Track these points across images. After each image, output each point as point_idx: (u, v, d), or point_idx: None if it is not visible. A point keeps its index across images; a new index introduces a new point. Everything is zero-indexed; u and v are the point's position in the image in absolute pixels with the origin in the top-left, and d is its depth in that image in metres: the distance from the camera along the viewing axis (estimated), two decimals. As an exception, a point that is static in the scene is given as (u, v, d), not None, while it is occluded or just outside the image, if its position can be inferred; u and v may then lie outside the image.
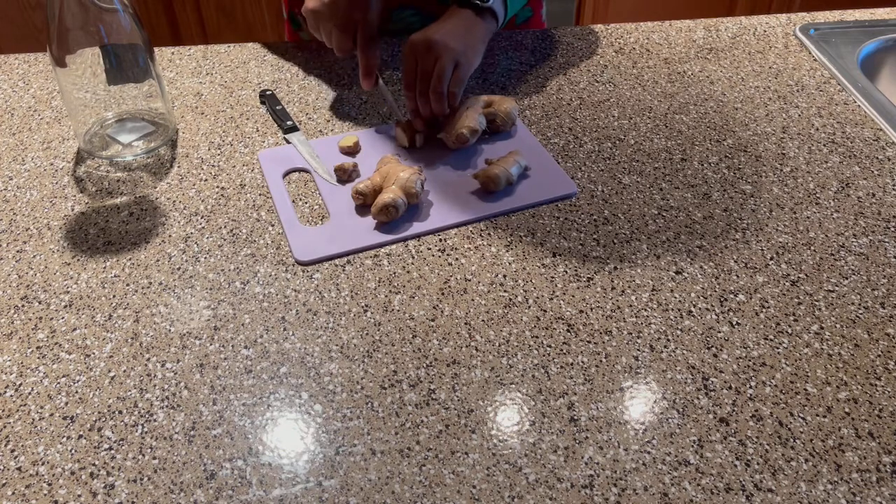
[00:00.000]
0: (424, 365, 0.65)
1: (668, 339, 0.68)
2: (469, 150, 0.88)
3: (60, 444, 0.59)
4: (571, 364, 0.65)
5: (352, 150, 0.87)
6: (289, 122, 0.91)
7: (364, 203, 0.80)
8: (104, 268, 0.74)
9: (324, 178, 0.84)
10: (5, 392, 0.63)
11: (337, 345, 0.67)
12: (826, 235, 0.78)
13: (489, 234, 0.78)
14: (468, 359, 0.66)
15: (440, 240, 0.77)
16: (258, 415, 0.61)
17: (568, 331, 0.68)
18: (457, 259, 0.75)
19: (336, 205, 0.80)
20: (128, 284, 0.72)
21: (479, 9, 0.89)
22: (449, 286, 0.72)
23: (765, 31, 1.12)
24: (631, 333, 0.68)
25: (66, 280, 0.72)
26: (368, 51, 0.88)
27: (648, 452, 0.59)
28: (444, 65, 0.85)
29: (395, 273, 0.73)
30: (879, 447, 0.60)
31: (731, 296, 0.72)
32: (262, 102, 0.96)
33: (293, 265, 0.74)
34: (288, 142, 0.89)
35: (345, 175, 0.83)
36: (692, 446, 0.59)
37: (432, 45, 0.85)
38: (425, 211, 0.80)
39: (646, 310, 0.70)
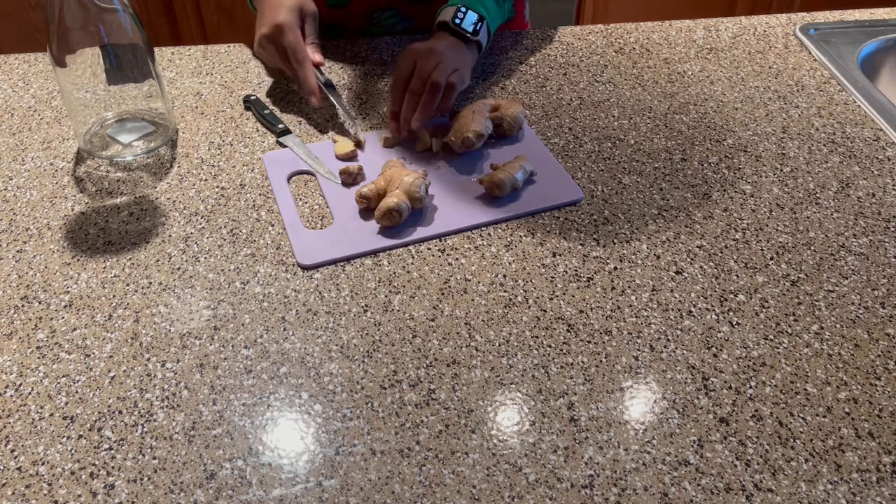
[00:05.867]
0: (424, 365, 0.65)
1: (668, 339, 0.68)
2: (475, 155, 0.88)
3: (60, 444, 0.59)
4: (571, 364, 0.65)
5: (350, 157, 0.87)
6: (280, 126, 0.90)
7: (368, 207, 0.79)
8: (104, 268, 0.74)
9: (327, 178, 0.84)
10: (5, 392, 0.63)
11: (337, 345, 0.67)
12: (826, 235, 0.78)
13: (489, 234, 0.78)
14: (468, 359, 0.66)
15: (440, 240, 0.77)
16: (258, 415, 0.61)
17: (568, 331, 0.68)
18: (457, 259, 0.75)
19: (340, 208, 0.80)
20: (128, 284, 0.72)
21: (467, 40, 0.92)
22: (449, 286, 0.72)
23: (765, 31, 1.12)
24: (631, 333, 0.68)
25: (66, 280, 0.72)
26: (302, 70, 0.90)
27: (648, 452, 0.59)
28: (445, 66, 0.86)
29: (394, 273, 0.73)
30: (879, 447, 0.60)
31: (731, 296, 0.72)
32: (247, 108, 0.95)
33: (293, 265, 0.74)
34: (282, 145, 0.89)
35: (350, 178, 0.83)
36: (692, 446, 0.59)
37: (434, 52, 0.87)
38: (429, 215, 0.79)
39: (646, 310, 0.70)
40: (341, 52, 1.06)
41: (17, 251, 0.76)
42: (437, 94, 0.86)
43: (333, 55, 1.05)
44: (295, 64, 0.90)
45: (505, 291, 0.72)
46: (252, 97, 0.95)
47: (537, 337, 0.68)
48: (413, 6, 1.08)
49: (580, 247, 0.76)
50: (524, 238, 0.77)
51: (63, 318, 0.69)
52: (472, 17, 0.92)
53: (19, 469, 0.57)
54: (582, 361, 0.66)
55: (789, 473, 0.58)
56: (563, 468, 0.58)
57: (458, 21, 0.92)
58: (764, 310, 0.70)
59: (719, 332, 0.68)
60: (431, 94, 0.85)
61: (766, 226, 0.79)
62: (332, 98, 0.93)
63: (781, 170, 0.87)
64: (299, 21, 0.93)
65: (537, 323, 0.69)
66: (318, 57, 0.94)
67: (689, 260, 0.75)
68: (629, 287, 0.72)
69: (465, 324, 0.69)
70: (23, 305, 0.70)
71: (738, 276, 0.74)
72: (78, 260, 0.75)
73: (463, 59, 0.90)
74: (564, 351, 0.66)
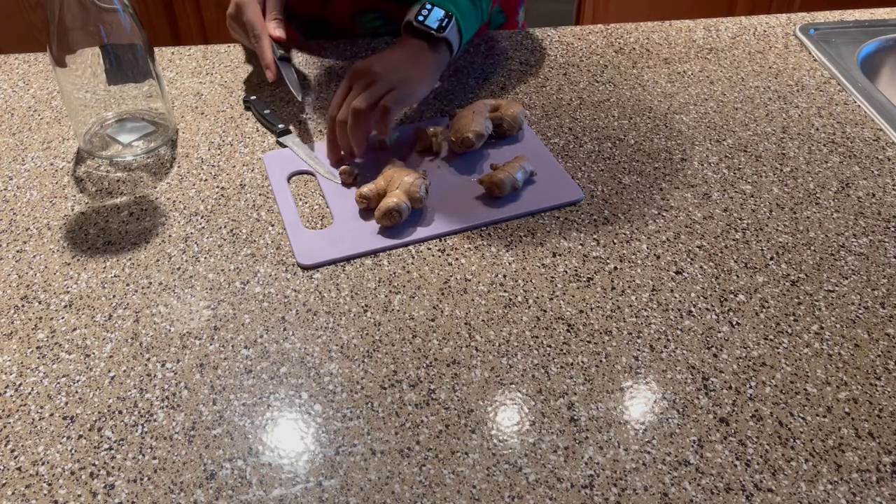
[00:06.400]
0: (424, 365, 0.65)
1: (668, 339, 0.68)
2: (475, 155, 0.88)
3: (60, 444, 0.59)
4: (571, 364, 0.65)
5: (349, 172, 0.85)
6: (280, 126, 0.90)
7: (368, 207, 0.79)
8: (104, 268, 0.74)
9: (327, 178, 0.84)
10: (5, 392, 0.63)
11: (337, 345, 0.67)
12: (826, 235, 0.78)
13: (489, 234, 0.78)
14: (468, 359, 0.66)
15: (440, 240, 0.77)
16: (258, 415, 0.61)
17: (568, 331, 0.68)
18: (457, 259, 0.75)
19: (340, 208, 0.80)
20: (128, 284, 0.72)
21: (433, 39, 0.87)
22: (449, 286, 0.72)
23: (765, 31, 1.12)
24: (631, 333, 0.68)
25: (66, 280, 0.72)
26: (259, 45, 0.91)
27: (648, 452, 0.59)
28: (375, 88, 0.81)
29: (394, 273, 0.73)
30: (879, 447, 0.60)
31: (731, 296, 0.72)
32: (247, 108, 0.95)
33: (293, 265, 0.74)
34: (282, 145, 0.89)
35: (350, 178, 0.83)
36: (692, 446, 0.59)
37: (370, 72, 0.83)
38: (429, 216, 0.79)
39: (646, 310, 0.70)
40: (340, 51, 1.06)
41: (17, 251, 0.76)
42: (362, 121, 0.80)
43: (332, 55, 1.05)
44: (253, 39, 0.91)
45: (505, 291, 0.72)
46: (252, 97, 0.95)
47: (537, 337, 0.68)
48: (398, 8, 1.06)
49: (580, 247, 0.76)
50: (524, 238, 0.77)
51: (63, 318, 0.69)
52: (437, 13, 0.86)
53: (19, 469, 0.57)
54: (582, 361, 0.66)
55: (789, 473, 0.58)
56: (563, 468, 0.58)
57: (421, 18, 0.86)
58: (764, 310, 0.70)
59: (719, 332, 0.68)
60: (354, 121, 0.80)
61: (766, 226, 0.79)
62: (283, 72, 0.92)
63: (781, 170, 0.87)
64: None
65: (537, 323, 0.69)
66: (277, 32, 0.93)
67: (689, 260, 0.75)
68: (629, 287, 0.72)
69: (465, 324, 0.69)
70: (23, 305, 0.70)
71: (738, 276, 0.74)
72: (78, 260, 0.75)
73: (415, 69, 0.85)
74: (564, 351, 0.66)
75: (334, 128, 0.83)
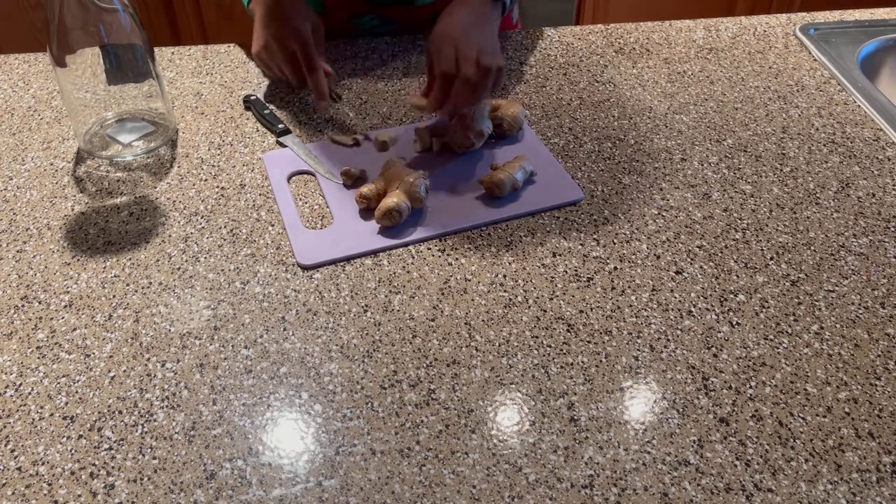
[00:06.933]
0: (424, 365, 0.65)
1: (668, 339, 0.68)
2: (475, 155, 0.88)
3: (60, 444, 0.59)
4: (571, 364, 0.65)
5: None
6: (280, 126, 0.90)
7: (368, 207, 0.79)
8: (104, 268, 0.74)
9: (327, 178, 0.84)
10: (5, 392, 0.63)
11: (337, 345, 0.67)
12: (826, 235, 0.78)
13: (489, 234, 0.78)
14: (468, 359, 0.66)
15: (440, 240, 0.77)
16: (258, 415, 0.61)
17: (568, 331, 0.68)
18: (457, 259, 0.75)
19: (340, 208, 0.80)
20: (128, 284, 0.72)
21: None
22: (449, 286, 0.72)
23: (765, 31, 1.12)
24: (631, 333, 0.68)
25: (66, 280, 0.72)
26: (314, 76, 0.90)
27: (648, 452, 0.59)
28: (487, 50, 0.82)
29: (394, 273, 0.73)
30: (879, 447, 0.60)
31: (731, 296, 0.72)
32: (247, 108, 0.95)
33: (293, 265, 0.74)
34: (283, 145, 0.89)
35: (350, 180, 0.83)
36: (692, 446, 0.59)
37: (469, 37, 0.82)
38: (429, 216, 0.79)
39: (646, 310, 0.70)
40: (340, 51, 1.06)
41: (17, 251, 0.76)
42: (490, 78, 0.82)
43: (331, 55, 1.05)
44: (306, 70, 0.90)
45: (505, 291, 0.72)
46: (252, 97, 0.95)
47: (537, 337, 0.68)
48: (393, 9, 1.07)
49: (580, 247, 0.76)
50: (524, 238, 0.77)
51: (63, 318, 0.69)
52: None
53: (19, 469, 0.57)
54: (582, 361, 0.66)
55: (789, 473, 0.58)
56: (563, 468, 0.58)
57: None
58: (764, 310, 0.70)
59: (719, 332, 0.68)
60: (485, 78, 0.81)
61: (766, 226, 0.79)
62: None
63: (781, 170, 0.87)
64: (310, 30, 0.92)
65: (537, 323, 0.69)
66: (328, 67, 0.94)
67: (689, 260, 0.75)
68: (629, 287, 0.72)
69: (465, 324, 0.69)
70: (23, 305, 0.70)
71: (738, 276, 0.74)
72: (78, 260, 0.75)
73: (490, 31, 0.86)
74: (564, 351, 0.66)
75: (448, 88, 0.82)
